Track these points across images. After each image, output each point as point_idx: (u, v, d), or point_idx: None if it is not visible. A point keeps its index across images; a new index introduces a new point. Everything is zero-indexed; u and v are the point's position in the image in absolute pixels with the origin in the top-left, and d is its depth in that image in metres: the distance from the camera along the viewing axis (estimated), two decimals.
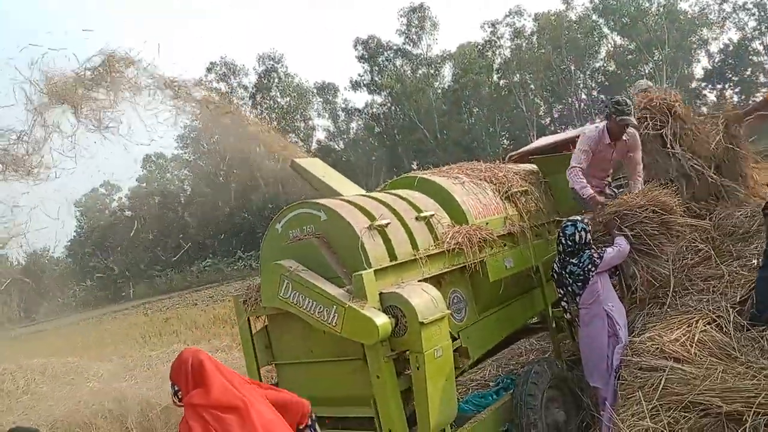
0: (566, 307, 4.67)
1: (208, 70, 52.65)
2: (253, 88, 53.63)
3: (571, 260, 4.45)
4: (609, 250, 4.40)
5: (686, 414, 3.13)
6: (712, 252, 4.62)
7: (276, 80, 53.76)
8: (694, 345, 3.59)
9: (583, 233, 4.41)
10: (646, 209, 4.55)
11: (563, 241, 4.49)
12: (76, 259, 58.78)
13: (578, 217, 4.57)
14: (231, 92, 51.89)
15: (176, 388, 2.76)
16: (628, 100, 5.23)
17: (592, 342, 4.39)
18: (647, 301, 4.53)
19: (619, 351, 4.15)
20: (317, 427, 3.18)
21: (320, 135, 57.39)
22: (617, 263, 4.49)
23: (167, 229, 54.88)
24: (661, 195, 4.66)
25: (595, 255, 4.36)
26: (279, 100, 54.08)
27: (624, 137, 5.26)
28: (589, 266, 4.34)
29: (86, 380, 9.32)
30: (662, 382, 3.36)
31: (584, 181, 5.23)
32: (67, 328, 29.07)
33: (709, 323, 3.75)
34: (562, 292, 4.65)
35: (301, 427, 3.04)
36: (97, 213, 62.19)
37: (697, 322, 3.80)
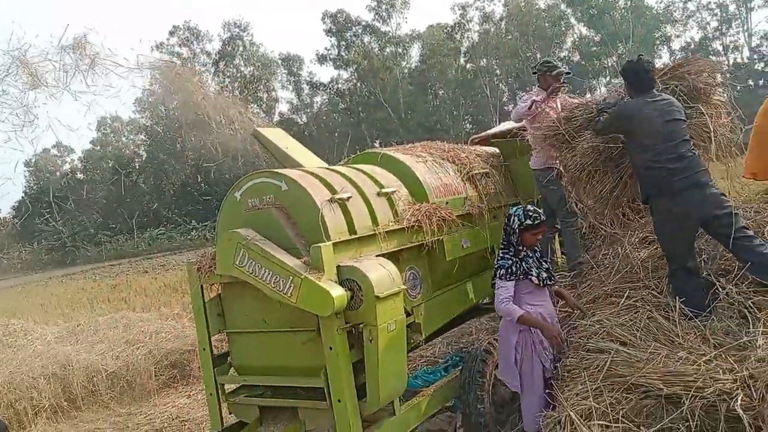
0: None
1: (171, 33, 51.45)
2: (216, 55, 52.51)
3: (501, 245, 4.22)
4: (502, 291, 4.00)
5: (628, 395, 3.23)
6: None
7: (240, 48, 52.70)
8: (640, 330, 3.71)
9: (516, 219, 4.10)
10: None
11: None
12: (23, 220, 56.84)
13: (530, 206, 4.22)
14: (193, 58, 50.78)
15: None
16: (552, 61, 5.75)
17: (502, 335, 4.26)
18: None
19: (545, 359, 4.02)
20: None
21: (283, 107, 56.80)
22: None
23: (120, 194, 53.51)
24: None
25: (503, 276, 4.04)
26: (242, 68, 53.10)
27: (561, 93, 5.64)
28: (495, 271, 4.14)
29: (30, 343, 9.07)
30: (607, 364, 3.46)
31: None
32: (11, 290, 28.18)
33: (655, 310, 3.86)
34: None
35: None
36: (48, 174, 60.15)
37: (644, 308, 3.92)
